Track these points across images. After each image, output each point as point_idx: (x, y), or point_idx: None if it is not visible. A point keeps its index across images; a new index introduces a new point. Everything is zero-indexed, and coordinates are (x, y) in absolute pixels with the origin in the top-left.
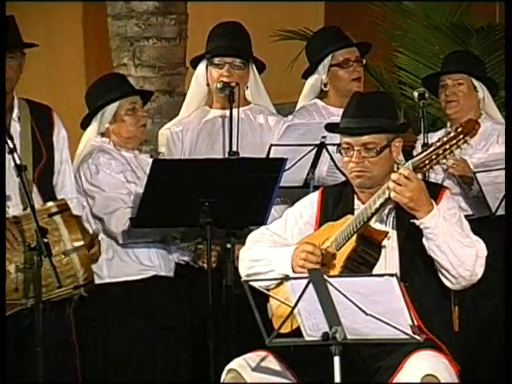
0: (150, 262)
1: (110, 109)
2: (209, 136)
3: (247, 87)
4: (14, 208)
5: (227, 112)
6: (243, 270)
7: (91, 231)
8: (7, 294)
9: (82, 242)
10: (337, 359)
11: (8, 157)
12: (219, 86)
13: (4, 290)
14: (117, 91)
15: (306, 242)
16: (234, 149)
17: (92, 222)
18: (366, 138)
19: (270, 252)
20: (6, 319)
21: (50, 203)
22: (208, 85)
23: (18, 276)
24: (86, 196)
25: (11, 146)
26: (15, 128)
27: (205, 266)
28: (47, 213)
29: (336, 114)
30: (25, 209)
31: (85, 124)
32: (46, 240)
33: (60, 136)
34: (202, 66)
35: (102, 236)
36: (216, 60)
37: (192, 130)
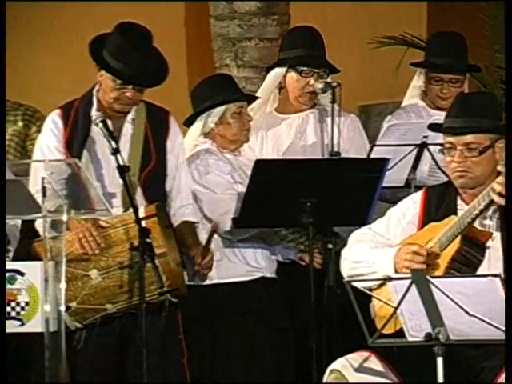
0: (257, 263)
1: (217, 111)
2: (288, 139)
3: None
4: (114, 209)
5: (301, 114)
6: (345, 270)
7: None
8: (88, 300)
9: (163, 249)
10: (440, 360)
11: (112, 157)
12: (320, 86)
13: (4, 290)
14: (225, 94)
15: (410, 243)
16: (336, 149)
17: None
18: (468, 138)
19: (372, 253)
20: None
21: (140, 209)
22: (282, 88)
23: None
24: (194, 197)
25: (114, 146)
26: (127, 130)
27: (314, 264)
28: (133, 219)
29: (436, 115)
30: (125, 210)
31: (188, 122)
32: (148, 240)
33: (176, 141)
34: (280, 70)
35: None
36: (305, 69)
37: (263, 131)
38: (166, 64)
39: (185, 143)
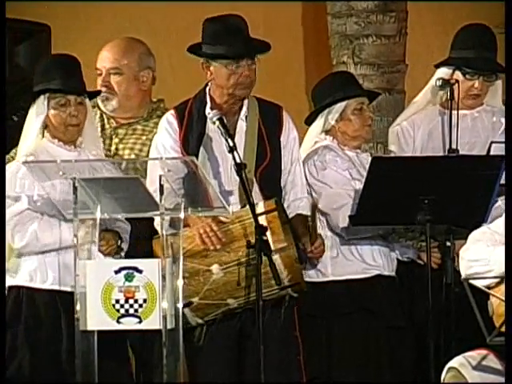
0: (374, 261)
1: (338, 107)
2: (440, 134)
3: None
4: (232, 206)
5: (465, 112)
6: (463, 270)
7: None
8: (210, 295)
9: (284, 244)
10: None
11: (229, 155)
12: (439, 83)
13: (4, 287)
14: (345, 90)
15: None
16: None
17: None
18: None
19: (488, 251)
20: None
21: (259, 204)
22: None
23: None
24: (311, 192)
25: (231, 144)
26: (241, 127)
27: (431, 263)
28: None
29: None
30: (242, 207)
31: (310, 120)
32: (265, 238)
33: (290, 137)
34: (446, 69)
35: (326, 234)
36: (470, 71)
37: (423, 127)
38: (265, 41)
39: (307, 141)
